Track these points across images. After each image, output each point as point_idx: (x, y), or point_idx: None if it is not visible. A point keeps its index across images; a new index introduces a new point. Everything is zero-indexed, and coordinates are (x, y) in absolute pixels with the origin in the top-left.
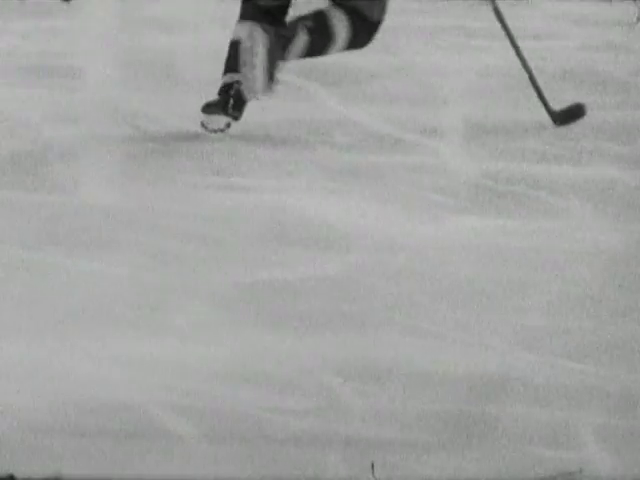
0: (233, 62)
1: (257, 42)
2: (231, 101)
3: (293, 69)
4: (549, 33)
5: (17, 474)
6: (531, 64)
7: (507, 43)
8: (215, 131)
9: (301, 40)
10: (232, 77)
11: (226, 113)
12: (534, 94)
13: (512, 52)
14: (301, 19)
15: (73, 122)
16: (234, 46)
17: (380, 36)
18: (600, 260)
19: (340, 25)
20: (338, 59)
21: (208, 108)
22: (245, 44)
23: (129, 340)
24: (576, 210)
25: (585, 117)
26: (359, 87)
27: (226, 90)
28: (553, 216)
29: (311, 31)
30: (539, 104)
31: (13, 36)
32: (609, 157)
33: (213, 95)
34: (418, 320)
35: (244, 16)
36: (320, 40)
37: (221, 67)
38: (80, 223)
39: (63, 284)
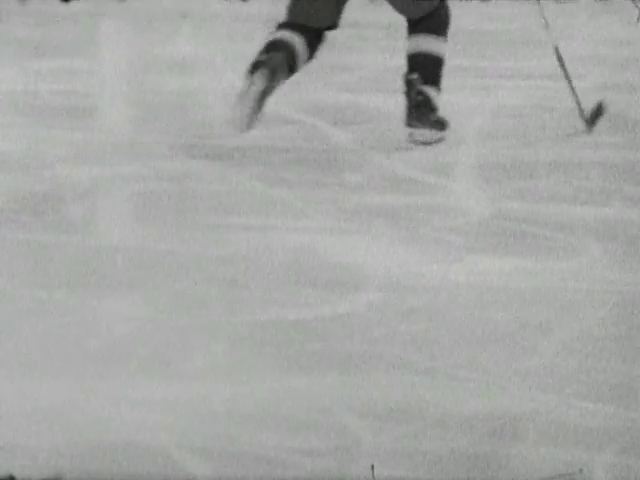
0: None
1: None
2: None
3: (306, 108)
4: (560, 73)
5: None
6: (545, 103)
7: (520, 82)
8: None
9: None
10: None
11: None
12: (550, 132)
13: (525, 91)
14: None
15: (90, 162)
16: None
17: (391, 76)
18: (614, 300)
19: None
20: (352, 98)
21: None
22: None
23: (149, 382)
24: (589, 250)
25: (597, 157)
26: (374, 127)
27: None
28: (567, 256)
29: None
30: (552, 143)
31: (31, 76)
32: (622, 197)
33: (225, 133)
34: (433, 361)
35: (280, 27)
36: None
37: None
38: (99, 264)
39: (83, 326)
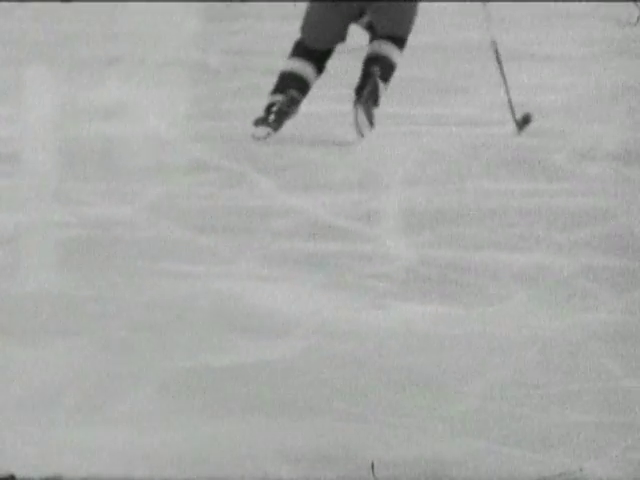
0: (280, 86)
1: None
2: (272, 116)
3: (232, 155)
4: (486, 120)
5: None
6: (472, 150)
7: (447, 129)
8: (259, 138)
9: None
10: (275, 98)
11: (268, 125)
12: (474, 181)
13: (453, 138)
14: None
15: (14, 209)
16: (283, 75)
17: (319, 123)
18: (538, 347)
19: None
20: (279, 147)
21: (256, 121)
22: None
23: (75, 428)
24: (515, 297)
25: (522, 204)
26: (300, 173)
27: (269, 108)
28: (493, 303)
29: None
30: (478, 190)
31: None
32: (547, 244)
33: (152, 182)
34: (360, 407)
35: (294, 53)
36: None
37: (159, 154)
38: (23, 311)
39: (8, 372)
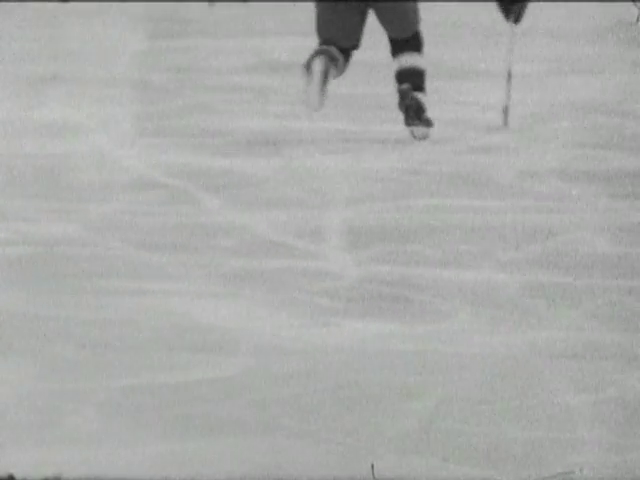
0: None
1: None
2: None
3: (176, 173)
4: (431, 137)
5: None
6: (414, 167)
7: (389, 146)
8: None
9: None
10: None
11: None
12: (419, 198)
13: (395, 155)
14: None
15: None
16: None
17: (265, 140)
18: (483, 363)
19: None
20: (223, 163)
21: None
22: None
23: (19, 447)
24: (460, 314)
25: (466, 221)
26: (244, 191)
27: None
28: (437, 320)
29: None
30: (423, 207)
31: None
32: (492, 261)
33: (97, 200)
34: (305, 424)
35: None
36: None
37: (104, 172)
38: None
39: None
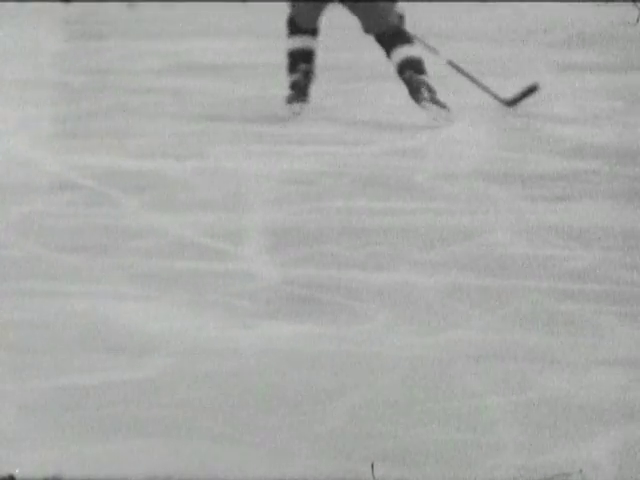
0: (292, 66)
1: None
2: (297, 92)
3: (94, 174)
4: (349, 139)
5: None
6: (334, 169)
7: (308, 148)
8: (296, 113)
9: None
10: (292, 77)
11: (298, 100)
12: (337, 200)
13: (316, 157)
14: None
15: None
16: (291, 53)
17: (183, 142)
18: (403, 365)
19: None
20: (141, 164)
21: (288, 99)
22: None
23: None
24: (379, 316)
25: (385, 223)
26: (163, 193)
27: (292, 86)
28: (356, 321)
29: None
30: (342, 209)
31: None
32: (411, 263)
33: (15, 201)
34: (224, 426)
35: (291, 32)
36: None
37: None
38: None
39: None
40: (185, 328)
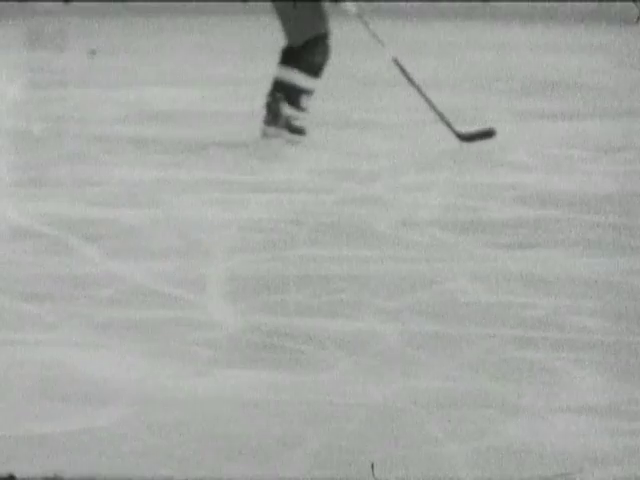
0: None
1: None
2: (271, 116)
3: (53, 222)
4: (309, 187)
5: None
6: (294, 217)
7: (269, 196)
8: (271, 136)
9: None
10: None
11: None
12: (298, 248)
13: (276, 205)
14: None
15: None
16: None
17: (142, 190)
18: (363, 414)
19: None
20: (101, 212)
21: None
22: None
23: None
24: (339, 363)
25: (347, 270)
26: (123, 241)
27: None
28: (317, 369)
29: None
30: (302, 257)
31: None
32: (371, 310)
33: None
34: (184, 475)
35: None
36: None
37: None
38: None
39: None
40: (143, 377)
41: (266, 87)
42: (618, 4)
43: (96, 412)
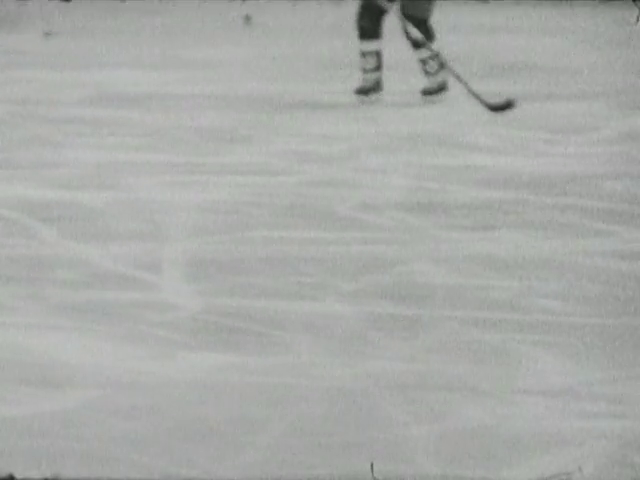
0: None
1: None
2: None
3: (11, 205)
4: (270, 169)
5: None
6: (255, 199)
7: (229, 178)
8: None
9: None
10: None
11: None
12: (259, 229)
13: (237, 187)
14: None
15: None
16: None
17: (103, 172)
18: (324, 396)
19: None
20: (59, 194)
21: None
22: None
23: None
24: (301, 345)
25: (308, 252)
26: (82, 223)
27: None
28: (278, 351)
29: None
30: (263, 239)
31: None
32: (332, 292)
33: None
34: (147, 457)
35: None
36: None
37: None
38: None
39: None
40: (106, 360)
41: (230, 69)
42: None
43: (56, 396)
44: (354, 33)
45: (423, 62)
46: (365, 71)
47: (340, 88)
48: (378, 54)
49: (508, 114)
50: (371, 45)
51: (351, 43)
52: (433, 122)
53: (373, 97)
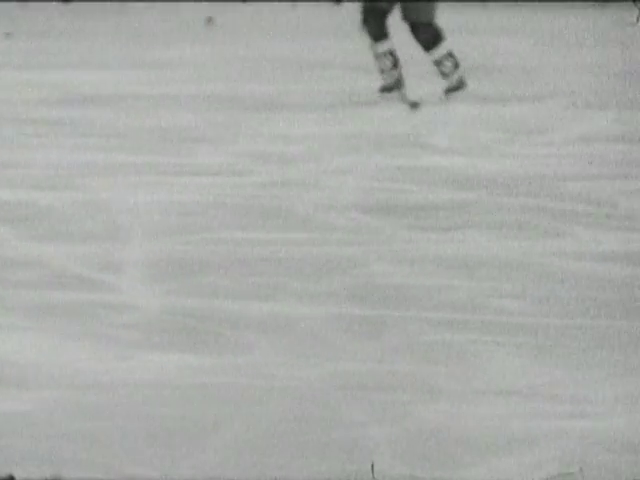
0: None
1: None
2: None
3: None
4: (231, 170)
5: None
6: (215, 200)
7: (190, 179)
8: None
9: None
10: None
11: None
12: (218, 230)
13: (198, 188)
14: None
15: None
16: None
17: (63, 173)
18: (283, 397)
19: None
20: (19, 196)
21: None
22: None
23: None
24: (260, 346)
25: (267, 253)
26: (40, 223)
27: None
28: (237, 352)
29: None
30: (222, 239)
31: None
32: (292, 293)
33: None
34: (106, 458)
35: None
36: None
37: None
38: None
39: None
40: (64, 360)
41: (192, 70)
42: None
43: (14, 396)
44: (313, 34)
45: (438, 63)
46: (383, 71)
47: (302, 89)
48: (392, 53)
49: (470, 115)
50: (383, 46)
51: (311, 44)
52: (395, 123)
53: (396, 94)
